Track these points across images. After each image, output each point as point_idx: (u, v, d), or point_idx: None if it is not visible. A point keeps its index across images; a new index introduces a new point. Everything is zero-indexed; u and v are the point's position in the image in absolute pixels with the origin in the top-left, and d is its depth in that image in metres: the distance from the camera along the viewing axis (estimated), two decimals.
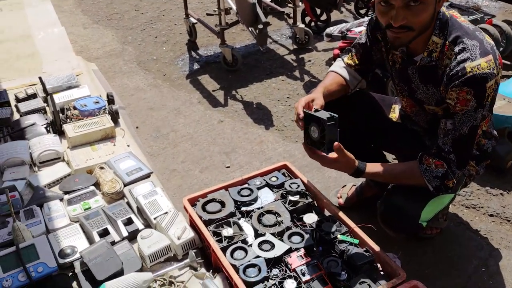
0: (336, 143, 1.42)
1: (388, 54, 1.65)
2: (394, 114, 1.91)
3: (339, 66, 1.77)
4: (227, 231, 1.57)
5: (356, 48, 1.75)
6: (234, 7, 2.94)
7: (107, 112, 2.35)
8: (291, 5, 3.48)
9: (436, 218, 1.88)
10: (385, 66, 1.76)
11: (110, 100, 2.48)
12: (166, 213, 1.74)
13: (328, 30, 3.16)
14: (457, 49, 1.40)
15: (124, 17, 4.16)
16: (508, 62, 3.09)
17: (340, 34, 3.07)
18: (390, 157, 2.13)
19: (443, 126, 1.46)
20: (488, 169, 2.21)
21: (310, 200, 1.72)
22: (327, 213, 1.74)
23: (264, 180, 1.83)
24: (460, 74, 1.37)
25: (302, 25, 3.50)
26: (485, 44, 1.39)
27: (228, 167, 2.38)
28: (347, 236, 1.55)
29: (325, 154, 1.44)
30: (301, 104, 1.50)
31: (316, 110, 1.47)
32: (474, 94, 1.37)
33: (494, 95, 1.48)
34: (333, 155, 1.43)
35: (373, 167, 1.53)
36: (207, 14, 4.12)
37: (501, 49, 2.92)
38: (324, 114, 1.41)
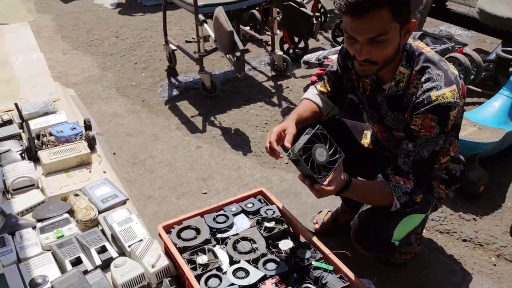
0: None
1: (359, 82, 1.70)
2: (366, 140, 1.95)
3: (312, 93, 1.81)
4: (201, 259, 1.56)
5: (328, 75, 1.80)
6: (212, 34, 2.98)
7: (84, 138, 2.34)
8: (269, 33, 3.55)
9: (410, 243, 1.90)
10: (356, 93, 1.81)
11: (87, 126, 2.48)
12: (141, 240, 1.73)
13: (305, 58, 3.23)
14: (423, 78, 1.46)
15: (104, 43, 4.18)
16: (479, 90, 3.18)
17: (317, 62, 3.13)
18: None
19: (405, 147, 1.51)
20: (461, 195, 2.26)
21: (286, 226, 1.74)
22: (302, 239, 1.75)
23: (240, 206, 1.84)
24: (425, 102, 1.43)
25: (281, 52, 3.56)
26: (449, 74, 1.45)
27: (205, 193, 2.37)
28: (321, 262, 1.57)
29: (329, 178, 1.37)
30: (273, 135, 1.53)
31: (299, 134, 1.42)
32: (438, 121, 1.44)
33: (457, 122, 1.54)
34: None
35: (356, 182, 1.51)
36: (186, 42, 4.17)
37: (472, 77, 3.01)
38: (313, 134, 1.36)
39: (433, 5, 3.81)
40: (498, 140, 2.36)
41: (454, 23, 4.16)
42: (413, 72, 1.49)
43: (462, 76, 2.93)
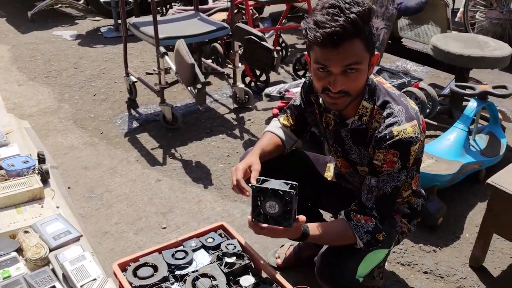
0: (301, 216, 1.43)
1: (322, 117, 1.70)
2: (329, 173, 1.95)
3: (275, 126, 1.80)
4: None
5: (291, 109, 1.80)
6: (173, 67, 2.96)
7: (37, 172, 2.24)
8: (231, 66, 3.57)
9: (372, 276, 1.89)
10: (319, 127, 1.81)
11: (41, 159, 2.37)
12: (95, 279, 1.63)
13: (267, 90, 3.25)
14: (385, 113, 1.48)
15: (62, 75, 4.09)
16: (435, 123, 3.28)
17: (279, 94, 3.16)
18: (327, 215, 2.14)
19: (368, 182, 1.52)
20: (421, 226, 2.29)
21: (247, 261, 1.68)
22: (264, 274, 1.70)
23: (200, 241, 1.78)
24: (387, 137, 1.44)
25: (242, 85, 3.58)
26: (410, 110, 1.48)
27: (165, 228, 2.30)
28: None
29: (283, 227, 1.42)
30: (240, 173, 1.52)
31: (264, 180, 1.42)
32: (400, 156, 1.45)
33: (418, 157, 1.57)
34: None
35: (314, 229, 1.53)
36: (147, 73, 4.14)
37: (428, 110, 3.10)
38: (281, 185, 1.39)
39: (389, 41, 3.95)
40: (454, 172, 2.42)
41: (410, 59, 4.32)
42: (375, 106, 1.51)
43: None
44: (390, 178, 1.48)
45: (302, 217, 1.45)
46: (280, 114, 1.86)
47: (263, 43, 3.03)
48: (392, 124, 1.45)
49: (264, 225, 1.43)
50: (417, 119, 1.48)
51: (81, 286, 1.60)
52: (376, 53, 1.44)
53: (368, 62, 1.42)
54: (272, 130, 1.79)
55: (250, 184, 1.48)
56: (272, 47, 3.04)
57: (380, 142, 1.46)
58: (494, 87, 2.77)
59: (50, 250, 1.79)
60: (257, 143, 1.75)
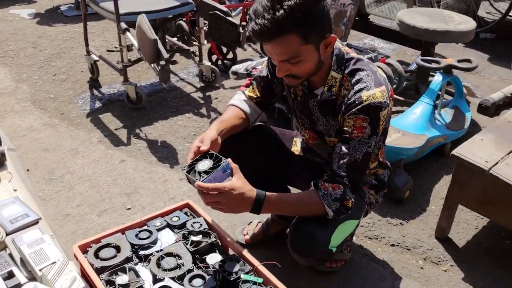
0: (229, 159, 1.42)
1: (290, 88, 1.67)
2: (296, 147, 1.92)
3: (239, 99, 1.75)
4: (121, 279, 1.44)
5: (257, 81, 1.75)
6: (136, 43, 2.86)
7: None
8: (197, 44, 3.48)
9: (341, 250, 1.88)
10: (287, 100, 1.78)
11: None
12: (54, 263, 1.57)
13: (233, 68, 3.19)
14: (353, 80, 1.47)
15: (19, 54, 3.91)
16: (402, 98, 3.29)
17: (246, 72, 3.10)
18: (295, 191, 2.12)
19: (338, 150, 1.50)
20: (388, 200, 2.30)
21: (214, 239, 1.65)
22: (231, 252, 1.67)
23: (165, 220, 1.73)
24: (357, 102, 1.43)
25: (209, 63, 3.50)
26: (378, 76, 1.48)
27: (129, 208, 2.24)
28: (250, 275, 1.49)
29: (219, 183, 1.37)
30: (194, 146, 1.49)
31: (201, 158, 1.46)
32: (369, 121, 1.44)
33: (386, 125, 1.55)
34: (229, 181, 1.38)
35: (273, 197, 1.46)
36: (108, 51, 4.00)
37: (394, 86, 3.10)
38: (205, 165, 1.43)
39: (357, 18, 3.93)
40: (420, 145, 2.43)
41: (377, 36, 4.32)
42: (344, 75, 1.49)
43: None
44: (360, 145, 1.47)
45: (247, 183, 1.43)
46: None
47: (229, 18, 2.96)
48: (361, 90, 1.44)
49: (208, 184, 1.35)
50: (386, 85, 1.48)
51: (40, 270, 1.54)
52: (331, 35, 1.39)
53: (316, 48, 1.39)
54: (236, 104, 1.74)
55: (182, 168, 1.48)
56: (237, 23, 2.97)
57: (349, 107, 1.45)
58: (458, 61, 2.79)
59: (7, 234, 1.71)
60: (219, 117, 1.70)
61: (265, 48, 1.41)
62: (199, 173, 1.41)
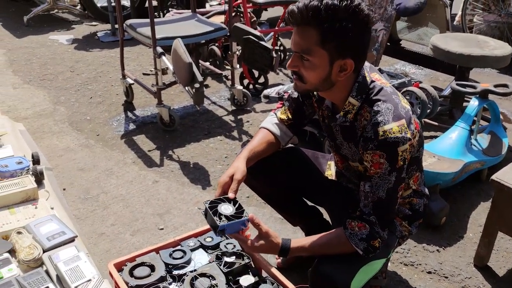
0: (254, 217, 1.48)
1: (319, 109, 1.67)
2: (330, 171, 1.90)
3: (270, 122, 1.76)
4: None
5: (289, 102, 1.76)
6: (171, 67, 2.93)
7: (31, 173, 2.19)
8: (229, 68, 3.54)
9: (375, 277, 1.83)
10: (318, 123, 1.78)
11: (35, 160, 2.32)
12: (90, 280, 1.58)
13: (265, 92, 3.22)
14: (372, 111, 1.42)
15: (58, 78, 4.05)
16: (435, 123, 3.24)
17: (277, 96, 3.13)
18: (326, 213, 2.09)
19: (363, 188, 1.47)
20: (424, 226, 2.24)
21: (247, 261, 1.64)
22: (264, 274, 1.65)
23: (199, 241, 1.73)
24: (373, 137, 1.39)
25: (241, 87, 3.54)
26: (399, 109, 1.41)
27: (162, 229, 2.25)
28: None
29: (247, 238, 1.51)
30: (222, 182, 1.56)
31: (221, 200, 1.53)
32: (386, 157, 1.39)
33: (415, 156, 1.51)
34: (257, 239, 1.49)
35: (299, 242, 1.52)
36: (144, 74, 4.10)
37: (428, 110, 3.06)
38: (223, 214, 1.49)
39: (388, 43, 3.93)
40: (457, 171, 2.38)
41: (409, 61, 4.30)
42: (364, 104, 1.46)
43: (419, 110, 2.98)
44: (382, 181, 1.42)
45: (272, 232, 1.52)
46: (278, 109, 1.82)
47: (262, 42, 3.00)
48: (377, 123, 1.38)
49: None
50: (407, 118, 1.40)
51: (75, 287, 1.55)
52: (348, 59, 1.36)
53: (330, 62, 1.37)
54: (267, 127, 1.75)
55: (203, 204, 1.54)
56: (270, 47, 3.01)
57: (366, 142, 1.41)
58: (495, 86, 2.74)
59: (44, 251, 1.74)
60: (249, 142, 1.72)
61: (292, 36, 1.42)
62: (220, 214, 1.48)
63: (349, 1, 1.30)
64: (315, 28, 1.33)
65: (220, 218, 1.46)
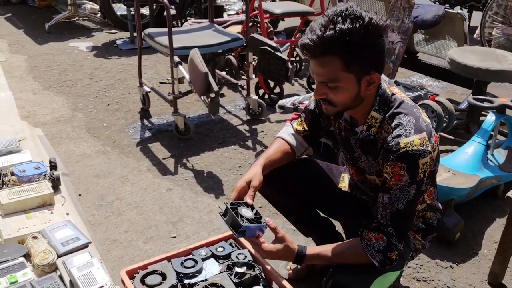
0: (270, 221, 1.52)
1: (335, 122, 1.67)
2: (344, 183, 1.90)
3: (287, 132, 1.77)
4: None
5: (305, 113, 1.77)
6: (187, 76, 2.96)
7: (48, 178, 2.22)
8: (245, 77, 3.56)
9: None
10: (333, 135, 1.78)
11: (53, 166, 2.36)
12: (102, 287, 1.60)
13: (280, 102, 3.23)
14: (393, 124, 1.43)
15: (76, 85, 4.11)
16: (451, 137, 3.21)
17: (292, 106, 3.14)
18: (338, 225, 2.09)
19: (381, 199, 1.47)
20: (437, 241, 2.22)
21: (258, 271, 1.64)
22: (275, 285, 1.65)
23: (210, 250, 1.74)
24: (394, 149, 1.39)
25: (256, 97, 3.56)
26: (420, 122, 1.42)
27: (174, 237, 2.26)
28: None
29: (262, 242, 1.53)
30: (238, 187, 1.58)
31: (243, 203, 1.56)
32: (407, 169, 1.39)
33: (432, 170, 1.50)
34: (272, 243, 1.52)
35: (314, 249, 1.53)
36: (160, 83, 4.15)
37: (444, 124, 3.04)
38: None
39: (405, 56, 3.92)
40: (472, 186, 2.35)
41: (425, 74, 4.28)
42: (385, 117, 1.46)
43: (435, 123, 2.96)
44: (401, 193, 1.42)
45: (288, 238, 1.54)
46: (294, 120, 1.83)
47: (278, 53, 3.01)
48: (399, 136, 1.39)
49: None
50: (428, 131, 1.41)
51: None
52: (374, 73, 1.37)
53: (358, 81, 1.38)
54: (283, 136, 1.77)
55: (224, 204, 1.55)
56: (286, 58, 3.02)
57: (387, 154, 1.41)
58: None
59: (58, 256, 1.77)
60: (265, 151, 1.73)
61: (311, 67, 1.41)
62: (241, 216, 1.50)
63: (361, 21, 1.30)
64: (336, 56, 1.33)
65: (242, 220, 1.48)
